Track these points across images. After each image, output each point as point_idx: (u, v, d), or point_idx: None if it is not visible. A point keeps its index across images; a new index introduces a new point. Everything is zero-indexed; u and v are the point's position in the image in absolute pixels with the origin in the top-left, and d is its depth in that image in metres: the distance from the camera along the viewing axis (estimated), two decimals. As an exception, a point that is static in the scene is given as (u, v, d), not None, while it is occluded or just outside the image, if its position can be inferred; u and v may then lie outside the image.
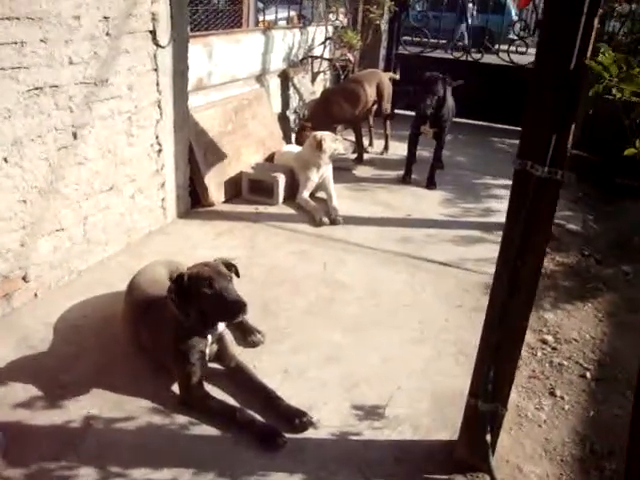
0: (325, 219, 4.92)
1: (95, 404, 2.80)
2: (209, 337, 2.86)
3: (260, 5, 6.87)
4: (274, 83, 6.65)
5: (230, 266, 2.91)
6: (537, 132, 1.89)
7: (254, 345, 3.28)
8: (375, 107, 7.01)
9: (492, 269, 4.09)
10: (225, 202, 5.24)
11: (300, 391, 2.95)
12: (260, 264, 4.14)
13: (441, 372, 3.19)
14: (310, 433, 2.70)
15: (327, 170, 5.35)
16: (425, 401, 2.96)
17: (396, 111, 8.01)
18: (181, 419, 2.75)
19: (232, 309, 2.70)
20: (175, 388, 2.91)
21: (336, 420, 2.79)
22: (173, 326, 2.82)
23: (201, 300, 2.71)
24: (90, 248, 4.03)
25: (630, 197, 5.97)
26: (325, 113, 6.35)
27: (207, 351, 2.87)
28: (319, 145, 5.16)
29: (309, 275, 4.09)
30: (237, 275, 2.93)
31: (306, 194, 5.25)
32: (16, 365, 3.03)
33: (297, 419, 2.71)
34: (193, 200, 5.07)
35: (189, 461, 2.52)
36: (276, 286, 3.92)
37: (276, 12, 6.94)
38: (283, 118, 6.78)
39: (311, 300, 3.78)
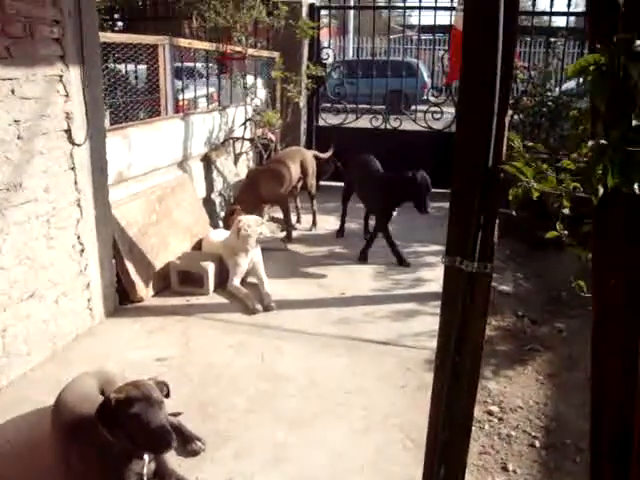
0: (258, 306, 4.82)
1: None
2: (145, 457, 2.68)
3: (178, 85, 6.92)
4: (197, 167, 6.62)
5: (162, 385, 2.76)
6: (463, 230, 1.90)
7: (194, 454, 3.10)
8: (301, 183, 7.07)
9: (431, 344, 4.14)
10: (155, 296, 5.08)
11: (247, 502, 2.80)
12: (195, 362, 3.98)
13: (391, 461, 3.10)
14: None
15: (256, 254, 5.29)
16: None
17: (322, 183, 8.11)
18: None
19: (158, 444, 2.54)
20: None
21: (288, 531, 2.65)
22: (104, 449, 2.63)
23: (128, 428, 2.55)
24: (11, 361, 3.79)
25: (553, 249, 6.12)
26: (252, 194, 6.34)
27: (145, 472, 2.69)
28: (243, 231, 5.11)
29: (247, 369, 3.95)
30: (167, 396, 2.77)
31: (237, 281, 5.16)
32: None
33: (246, 536, 2.55)
34: (121, 296, 4.89)
35: None
36: (213, 385, 3.76)
37: (195, 90, 6.99)
38: (208, 202, 6.73)
39: (251, 397, 3.64)
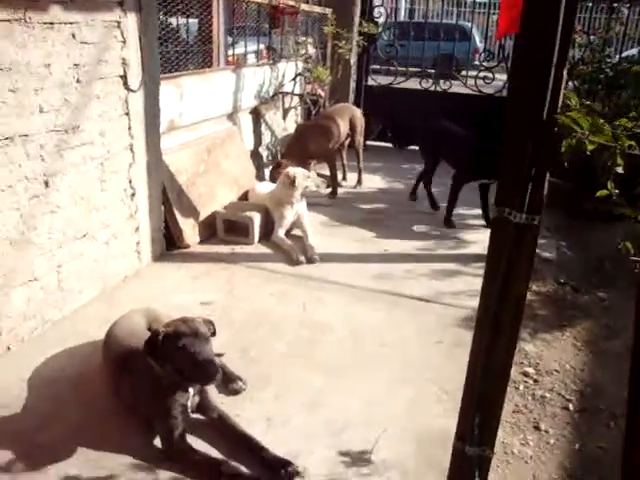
0: (302, 258, 4.90)
1: (74, 464, 2.72)
2: (190, 390, 2.81)
3: (229, 40, 6.92)
4: (246, 120, 6.68)
5: (208, 323, 2.86)
6: (514, 181, 1.91)
7: (235, 393, 3.23)
8: (348, 141, 7.08)
9: (470, 302, 4.19)
10: (200, 243, 5.20)
11: (285, 439, 2.90)
12: (238, 307, 4.10)
13: (425, 412, 3.17)
14: (296, 484, 2.66)
15: (301, 207, 5.36)
16: (411, 443, 2.93)
17: (368, 142, 8.09)
18: (164, 475, 2.68)
19: (204, 375, 2.66)
20: (158, 442, 2.84)
21: (323, 468, 2.75)
22: (153, 380, 2.76)
23: (176, 360, 2.67)
24: (64, 297, 3.96)
25: (599, 221, 6.04)
26: (300, 149, 6.38)
27: (189, 403, 2.82)
28: (292, 183, 5.17)
29: (288, 317, 4.05)
30: (213, 334, 2.88)
31: (281, 232, 5.24)
32: (-10, 426, 2.95)
33: (283, 469, 2.66)
34: (168, 242, 5.02)
35: (174, 519, 2.46)
36: (255, 330, 3.88)
37: (245, 46, 6.99)
38: (256, 155, 6.79)
39: (291, 343, 3.75)
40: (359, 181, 7.16)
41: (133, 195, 4.48)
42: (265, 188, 5.75)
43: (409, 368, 3.54)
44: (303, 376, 3.42)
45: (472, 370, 2.29)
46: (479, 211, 6.21)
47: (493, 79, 8.39)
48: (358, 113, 7.13)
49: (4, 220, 3.41)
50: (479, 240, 5.51)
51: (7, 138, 3.35)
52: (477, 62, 10.45)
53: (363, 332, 3.91)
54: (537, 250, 5.15)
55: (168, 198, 4.89)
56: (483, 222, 6.00)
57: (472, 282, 4.60)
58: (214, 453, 2.80)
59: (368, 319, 4.08)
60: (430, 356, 3.67)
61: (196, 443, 2.83)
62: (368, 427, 3.03)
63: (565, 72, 1.76)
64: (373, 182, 7.35)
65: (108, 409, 3.08)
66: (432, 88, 8.75)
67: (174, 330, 2.68)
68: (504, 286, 2.08)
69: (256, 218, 5.22)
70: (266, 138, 7.04)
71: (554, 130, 1.75)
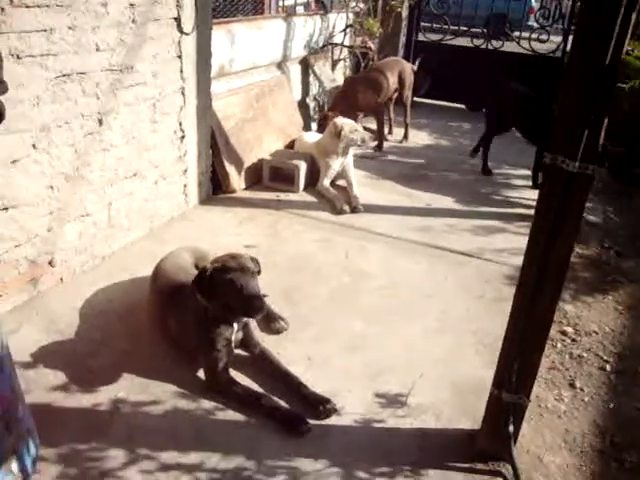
0: (346, 207, 4.94)
1: (122, 388, 2.85)
2: (235, 325, 2.90)
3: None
4: (295, 70, 6.67)
5: (255, 261, 2.93)
6: (569, 126, 1.89)
7: (278, 332, 3.32)
8: (396, 95, 7.01)
9: (512, 260, 4.19)
10: (246, 189, 5.27)
11: (324, 379, 2.99)
12: (282, 252, 4.17)
13: (462, 362, 3.22)
14: (334, 420, 2.74)
15: (348, 158, 5.36)
16: (446, 390, 2.99)
17: (415, 99, 7.98)
18: (207, 404, 2.79)
19: (251, 308, 2.73)
20: (201, 374, 2.96)
21: (360, 408, 2.83)
22: (199, 313, 2.86)
23: (223, 294, 2.75)
24: (114, 233, 4.08)
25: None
26: (348, 100, 6.34)
27: (233, 338, 2.91)
28: (338, 133, 5.17)
29: (331, 263, 4.11)
30: (259, 272, 2.95)
31: (327, 182, 5.27)
32: (46, 350, 3.09)
33: (321, 406, 2.75)
34: (214, 187, 5.11)
35: (216, 446, 2.56)
36: (298, 274, 3.95)
37: (295, -2, 6.96)
38: (303, 105, 6.79)
39: (333, 288, 3.81)
40: (405, 136, 7.11)
41: (183, 138, 4.54)
42: (312, 138, 5.77)
43: (448, 319, 3.58)
44: (344, 320, 3.49)
45: (514, 320, 2.32)
46: (526, 171, 6.14)
47: (548, 39, 8.15)
48: (408, 68, 7.03)
49: (60, 155, 3.50)
50: (523, 200, 5.46)
51: (65, 75, 3.43)
52: (531, 22, 10.15)
53: (404, 282, 3.95)
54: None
55: (216, 142, 4.94)
56: (530, 183, 5.93)
57: (515, 240, 4.58)
58: (255, 387, 2.91)
59: (409, 270, 4.12)
60: (470, 309, 3.70)
61: (238, 377, 2.93)
62: (405, 372, 3.09)
63: (634, 16, 1.72)
64: (419, 138, 7.30)
65: (154, 340, 3.20)
66: (483, 46, 8.54)
67: (222, 265, 2.76)
68: (551, 237, 2.08)
69: (302, 166, 5.26)
70: (314, 89, 7.02)
71: (617, 73, 1.72)
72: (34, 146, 3.32)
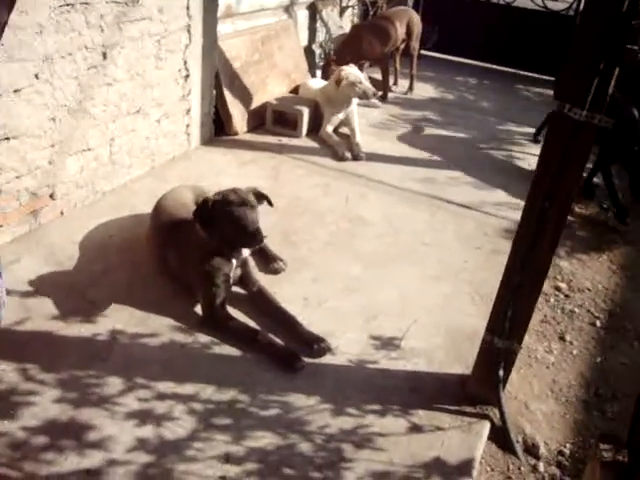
0: (348, 154, 4.92)
1: (121, 320, 2.89)
2: (234, 261, 2.93)
3: None
4: (302, 15, 6.55)
5: (261, 196, 2.95)
6: (578, 73, 1.87)
7: (276, 272, 3.35)
8: (403, 46, 6.90)
9: (512, 214, 4.22)
10: (248, 132, 5.24)
11: (320, 319, 3.03)
12: (283, 195, 4.17)
13: (457, 310, 3.26)
14: (328, 359, 2.79)
15: (352, 106, 5.32)
16: (440, 336, 3.04)
17: (421, 52, 7.87)
18: (203, 338, 2.84)
19: (250, 239, 2.78)
20: (198, 309, 3.00)
21: (354, 348, 2.88)
22: (199, 248, 2.88)
23: (222, 225, 2.78)
24: (115, 170, 4.07)
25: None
26: (354, 48, 6.23)
27: (231, 274, 2.94)
28: (338, 82, 5.10)
29: (331, 208, 4.13)
30: (270, 204, 2.98)
31: (330, 128, 5.24)
32: (46, 280, 3.11)
33: (316, 344, 2.80)
34: (217, 128, 5.07)
35: (211, 378, 2.61)
36: (298, 217, 3.96)
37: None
38: (309, 52, 6.68)
39: (332, 232, 3.84)
40: (410, 87, 7.03)
41: (187, 77, 4.50)
42: (317, 84, 5.71)
43: (446, 268, 3.61)
44: (341, 264, 3.53)
45: (511, 263, 2.35)
46: (529, 129, 6.12)
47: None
48: (416, 18, 6.89)
49: (63, 87, 3.47)
50: (525, 157, 5.44)
51: (68, 4, 3.37)
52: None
53: (403, 230, 3.97)
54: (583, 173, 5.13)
55: (220, 84, 4.89)
56: (531, 138, 5.91)
57: (515, 195, 4.59)
58: (252, 324, 2.95)
59: (409, 219, 4.13)
60: (468, 259, 3.73)
61: (235, 314, 2.98)
62: (400, 316, 3.14)
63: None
64: (424, 90, 7.22)
65: (153, 274, 3.24)
66: (495, 0, 8.38)
67: (223, 197, 2.78)
68: (554, 182, 2.09)
69: (305, 112, 5.22)
70: (320, 35, 6.90)
71: (631, 23, 1.70)
72: (37, 76, 3.29)
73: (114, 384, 2.53)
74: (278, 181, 4.44)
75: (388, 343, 2.95)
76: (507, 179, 4.93)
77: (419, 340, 2.99)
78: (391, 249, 3.75)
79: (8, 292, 2.96)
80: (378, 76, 6.70)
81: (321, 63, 6.77)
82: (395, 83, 7.14)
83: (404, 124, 5.99)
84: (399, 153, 5.25)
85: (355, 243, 3.76)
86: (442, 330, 3.08)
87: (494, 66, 8.51)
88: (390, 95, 6.72)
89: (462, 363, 2.87)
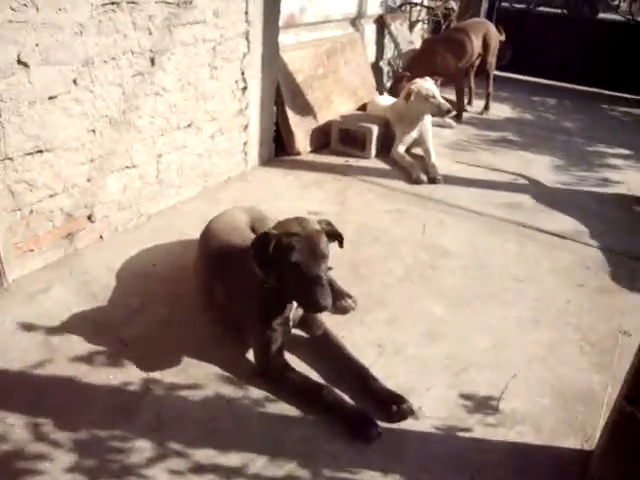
0: (423, 177, 4.39)
1: (157, 366, 2.41)
2: (294, 302, 2.40)
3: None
4: (369, 29, 6.11)
5: (333, 235, 2.37)
6: None
7: (344, 311, 2.81)
8: (478, 62, 6.35)
9: (616, 245, 3.57)
10: (312, 152, 4.80)
11: (397, 371, 2.47)
12: (351, 221, 3.67)
13: (563, 362, 2.64)
14: (409, 424, 2.22)
15: (425, 124, 4.79)
16: (546, 396, 2.43)
17: (495, 73, 7.30)
18: (255, 393, 2.32)
19: (312, 302, 2.18)
20: (250, 356, 2.48)
21: (441, 410, 2.30)
22: (253, 282, 2.36)
23: (284, 271, 2.22)
24: (162, 190, 3.65)
25: None
26: (426, 64, 5.70)
27: (291, 316, 2.42)
28: (408, 95, 4.60)
29: (406, 237, 3.58)
30: (340, 245, 2.42)
31: (402, 149, 4.74)
32: (76, 314, 2.69)
33: (395, 405, 2.23)
34: (277, 147, 4.63)
35: (263, 446, 2.09)
36: (368, 247, 3.44)
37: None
38: (376, 68, 6.22)
39: (409, 266, 3.28)
40: (486, 107, 6.46)
41: (245, 89, 4.07)
42: (387, 101, 5.22)
43: (545, 309, 3.01)
44: (421, 303, 2.97)
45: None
46: (623, 150, 5.49)
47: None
48: (493, 30, 6.33)
49: (104, 95, 3.08)
50: (624, 180, 4.79)
51: (113, 3, 3.00)
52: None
53: (490, 263, 3.39)
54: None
55: (282, 98, 4.46)
56: (630, 162, 5.24)
57: (615, 222, 3.97)
58: (314, 376, 2.41)
59: (496, 249, 3.55)
60: (570, 299, 3.11)
61: (294, 362, 2.45)
62: (495, 369, 2.55)
63: None
64: (501, 111, 6.64)
65: (198, 311, 2.77)
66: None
67: (289, 239, 2.19)
68: None
69: (375, 130, 4.73)
70: (389, 51, 6.43)
71: None
72: (75, 82, 2.91)
73: (142, 449, 2.03)
74: (345, 206, 3.93)
75: (483, 404, 2.36)
76: (603, 205, 4.29)
77: (521, 401, 2.39)
78: (478, 285, 3.16)
79: (31, 327, 2.61)
80: (450, 96, 6.15)
81: (389, 82, 6.28)
82: (469, 103, 6.58)
83: (482, 146, 5.40)
84: (479, 176, 4.67)
85: (436, 278, 3.19)
86: (548, 388, 2.48)
87: (571, 85, 7.88)
88: (465, 115, 6.17)
89: (578, 433, 2.26)
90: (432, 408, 2.30)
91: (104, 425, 2.12)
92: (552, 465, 2.13)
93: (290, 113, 4.53)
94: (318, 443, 2.12)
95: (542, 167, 4.98)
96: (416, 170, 4.44)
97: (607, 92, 7.77)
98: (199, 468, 1.98)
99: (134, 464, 1.97)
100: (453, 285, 3.14)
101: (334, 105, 5.05)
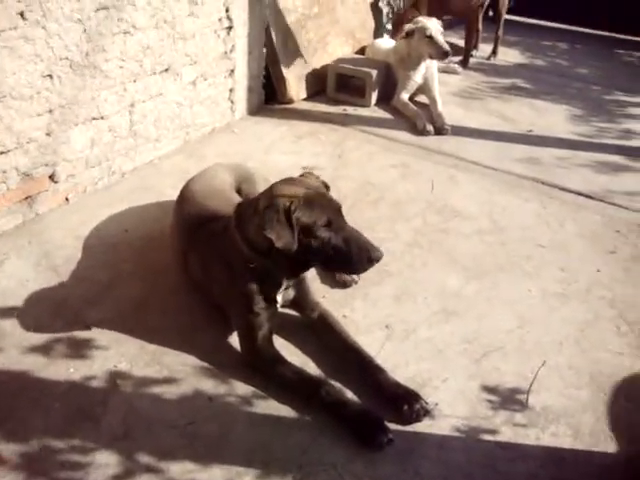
0: (429, 127, 3.97)
1: (126, 355, 2.07)
2: (284, 281, 2.01)
3: None
4: (369, -37, 5.56)
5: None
6: None
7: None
8: (487, 1, 5.83)
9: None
10: (306, 99, 4.39)
11: (408, 358, 2.13)
12: (350, 177, 3.29)
13: (600, 345, 2.29)
14: (425, 425, 1.87)
15: (430, 68, 4.35)
16: (584, 387, 2.09)
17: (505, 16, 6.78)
18: (241, 389, 1.97)
19: (364, 260, 1.93)
20: (235, 341, 2.11)
21: (461, 407, 1.96)
22: (236, 260, 1.97)
23: (309, 242, 1.86)
24: (137, 144, 3.26)
25: None
26: (435, 1, 5.19)
27: (279, 298, 2.03)
28: (411, 32, 4.16)
29: (412, 196, 3.20)
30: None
31: (405, 96, 4.31)
32: (33, 293, 2.35)
33: (406, 404, 1.87)
34: (267, 94, 4.23)
35: (250, 456, 1.75)
36: (371, 207, 3.05)
37: None
38: (375, 9, 5.68)
39: (417, 229, 2.90)
40: (494, 51, 5.97)
41: (230, 29, 3.64)
42: (387, 44, 4.75)
43: (574, 281, 2.64)
44: (432, 273, 2.61)
45: None
46: (644, 98, 5.05)
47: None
48: (510, -32, 5.80)
49: (62, 33, 2.66)
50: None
51: None
52: None
53: (509, 226, 3.01)
54: None
55: (272, 40, 4.03)
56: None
57: (648, 179, 3.59)
58: (311, 368, 2.05)
59: (515, 210, 3.17)
60: (602, 269, 2.74)
61: (286, 350, 2.09)
62: (521, 354, 2.21)
63: None
64: (509, 56, 6.16)
65: (177, 288, 2.40)
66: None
67: (309, 202, 1.86)
68: None
69: (375, 75, 4.30)
70: (389, -10, 5.90)
71: None
72: (22, 15, 2.46)
73: (104, 464, 1.70)
74: (343, 160, 3.54)
75: (509, 398, 2.01)
76: (630, 160, 3.89)
77: (554, 394, 2.04)
78: (497, 253, 2.78)
79: (-21, 309, 2.24)
80: (456, 41, 5.65)
81: (388, 24, 5.77)
82: (476, 47, 6.06)
83: (492, 92, 4.95)
84: (491, 126, 4.24)
85: (448, 243, 2.81)
86: (584, 378, 2.13)
87: (586, 30, 7.37)
88: (471, 60, 5.68)
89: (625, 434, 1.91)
90: (451, 404, 1.96)
91: (61, 431, 1.80)
92: (595, 474, 1.79)
93: (281, 56, 4.10)
94: (317, 451, 1.78)
95: (559, 117, 4.55)
96: (421, 119, 4.02)
97: (621, 36, 7.26)
98: (173, 486, 1.64)
99: (94, 483, 1.63)
100: (467, 252, 2.76)
101: (330, 48, 4.60)
